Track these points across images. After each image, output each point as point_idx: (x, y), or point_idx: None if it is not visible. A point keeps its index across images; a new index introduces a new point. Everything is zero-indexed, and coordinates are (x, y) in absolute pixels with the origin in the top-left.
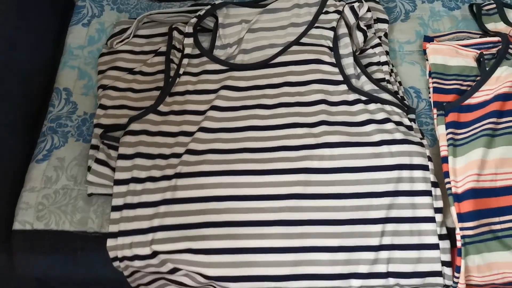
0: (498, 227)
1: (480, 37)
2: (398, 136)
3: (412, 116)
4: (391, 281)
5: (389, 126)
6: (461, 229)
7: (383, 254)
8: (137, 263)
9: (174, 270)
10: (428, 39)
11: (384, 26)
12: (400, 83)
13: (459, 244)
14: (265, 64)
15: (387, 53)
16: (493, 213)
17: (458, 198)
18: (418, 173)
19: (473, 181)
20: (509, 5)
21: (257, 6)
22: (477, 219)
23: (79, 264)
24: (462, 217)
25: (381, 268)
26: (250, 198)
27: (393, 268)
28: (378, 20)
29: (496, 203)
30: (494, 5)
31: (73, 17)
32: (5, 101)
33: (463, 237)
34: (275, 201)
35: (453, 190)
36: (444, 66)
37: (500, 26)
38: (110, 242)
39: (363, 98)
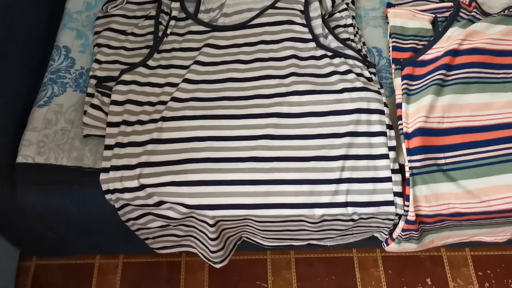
0: (442, 161)
1: (436, 4)
2: (358, 84)
3: (373, 70)
4: (350, 209)
5: (351, 76)
6: (409, 161)
7: (343, 186)
8: (127, 195)
9: (159, 203)
10: (390, 5)
11: None
12: (364, 43)
13: (407, 174)
14: (243, 25)
15: (353, 17)
16: (439, 150)
17: (408, 136)
18: (375, 117)
19: (422, 121)
20: None
21: None
22: (424, 153)
23: (75, 197)
24: (410, 152)
25: (341, 198)
26: (227, 138)
27: (352, 198)
28: None
29: (442, 142)
30: None
31: None
32: (12, 56)
33: (411, 168)
34: (249, 141)
35: (404, 130)
36: (403, 28)
37: None
38: (102, 176)
39: (329, 53)
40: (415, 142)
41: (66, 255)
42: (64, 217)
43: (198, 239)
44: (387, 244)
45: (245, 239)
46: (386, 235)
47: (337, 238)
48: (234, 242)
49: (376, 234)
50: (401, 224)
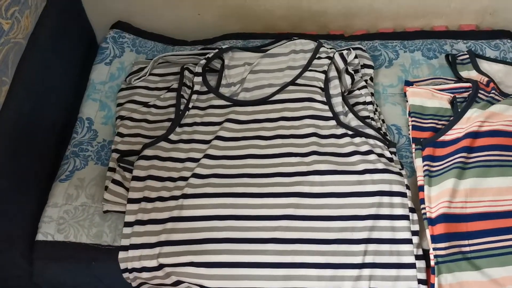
0: (467, 249)
1: (454, 83)
2: (380, 166)
3: (393, 149)
4: None
5: (372, 157)
6: (434, 249)
7: (366, 271)
8: (145, 275)
9: (177, 283)
10: (408, 83)
11: (370, 71)
12: (383, 120)
13: (432, 263)
14: (264, 101)
15: (372, 94)
16: (463, 237)
17: (432, 222)
18: (397, 199)
19: (445, 207)
20: (480, 56)
21: (259, 51)
22: (448, 241)
23: (92, 274)
24: (435, 239)
25: (363, 284)
26: (248, 218)
27: (374, 284)
28: (364, 66)
29: (465, 228)
30: (467, 56)
31: (97, 57)
32: (36, 131)
33: (435, 256)
34: (270, 221)
35: (428, 214)
36: (422, 107)
37: (473, 74)
38: (121, 255)
39: (350, 132)
40: (440, 228)
41: None
42: None
43: None
44: None
45: None
46: None
47: None
48: None
49: None
50: None
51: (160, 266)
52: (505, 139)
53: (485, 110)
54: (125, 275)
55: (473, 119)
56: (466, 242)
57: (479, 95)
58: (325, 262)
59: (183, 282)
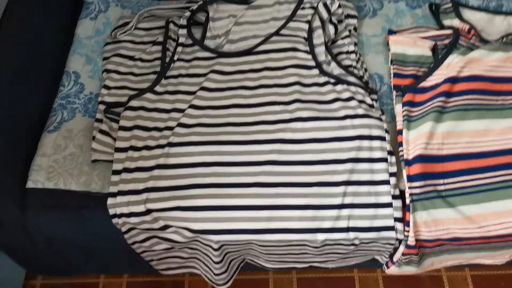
0: (442, 188)
1: (436, 31)
2: (360, 111)
3: (374, 96)
4: (351, 235)
5: (353, 103)
6: (410, 188)
7: (345, 211)
8: (133, 220)
9: (165, 227)
10: (391, 32)
11: (354, 21)
12: (366, 69)
13: (408, 201)
14: (248, 52)
15: (355, 44)
16: (438, 176)
17: (408, 162)
18: (376, 143)
19: (422, 148)
20: (463, 5)
21: (243, 2)
22: (424, 180)
23: (82, 221)
24: (410, 178)
25: (342, 223)
26: (232, 164)
27: (353, 223)
28: (348, 16)
29: (441, 168)
30: (450, 5)
31: (82, 12)
32: (24, 84)
33: (411, 195)
34: (253, 167)
35: (405, 156)
36: (404, 55)
37: (455, 22)
38: (110, 201)
39: (332, 80)
40: (415, 168)
41: (71, 274)
42: (70, 240)
43: (203, 262)
44: (388, 267)
45: (248, 261)
46: (387, 258)
47: (339, 261)
48: (237, 264)
49: (377, 257)
50: (401, 248)
51: (148, 211)
52: (484, 84)
53: (465, 56)
54: (114, 220)
55: (453, 65)
56: (441, 181)
57: (460, 41)
58: (306, 204)
59: (171, 226)
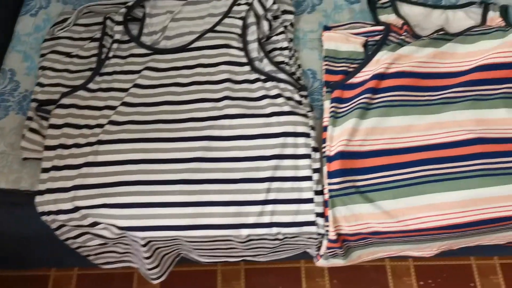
0: (361, 183)
1: (371, 27)
2: (286, 108)
3: (304, 93)
4: (274, 230)
5: (280, 100)
6: (329, 184)
7: (268, 207)
8: (62, 217)
9: (94, 224)
10: (327, 29)
11: (290, 17)
12: (299, 65)
13: (326, 197)
14: (183, 48)
15: (291, 40)
16: (358, 172)
17: (329, 159)
18: (301, 140)
19: (343, 145)
20: None
21: None
22: (343, 176)
23: (13, 218)
24: (330, 175)
25: (266, 219)
26: (159, 161)
27: (276, 219)
28: (285, 12)
29: (361, 164)
30: None
31: (23, 8)
32: None
33: (329, 191)
34: (179, 164)
35: (327, 153)
36: (336, 51)
37: (391, 18)
38: (38, 198)
39: (262, 77)
40: (335, 165)
41: (21, 268)
42: (13, 235)
43: (136, 256)
44: (317, 260)
45: (184, 255)
46: (316, 251)
47: (269, 255)
48: (172, 258)
49: (308, 250)
50: (325, 242)
51: (76, 209)
52: (411, 80)
53: (394, 52)
54: (44, 217)
55: (382, 61)
56: (360, 177)
57: (390, 37)
58: (230, 200)
59: (100, 223)
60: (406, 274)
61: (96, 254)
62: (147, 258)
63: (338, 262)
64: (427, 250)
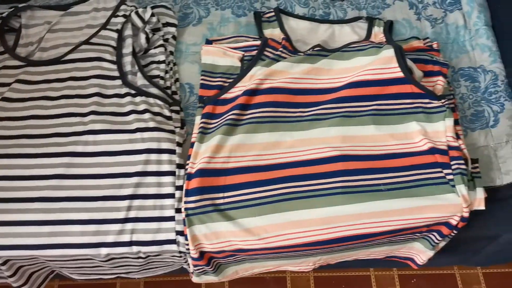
0: (221, 201)
1: (253, 41)
2: (151, 124)
3: (176, 108)
4: (134, 248)
5: (147, 116)
6: (185, 202)
7: (128, 225)
8: None
9: None
10: (208, 42)
11: (173, 29)
12: (177, 79)
13: (183, 215)
14: (57, 60)
15: (171, 53)
16: (219, 190)
17: (189, 176)
18: (165, 156)
19: (205, 162)
20: (289, 13)
21: (62, 9)
22: (200, 194)
23: None
24: (187, 193)
25: (125, 238)
26: (20, 178)
27: (136, 237)
28: (168, 24)
29: (223, 182)
30: (273, 13)
31: None
32: None
33: (186, 209)
34: (39, 181)
35: (189, 170)
36: (213, 65)
37: (276, 32)
38: None
39: (132, 92)
40: (194, 183)
41: None
42: None
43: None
44: (191, 277)
45: (58, 272)
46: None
47: (142, 272)
48: (44, 275)
49: (184, 266)
50: (190, 260)
51: None
52: (284, 96)
53: (268, 68)
54: None
55: (256, 76)
56: (221, 195)
57: (266, 53)
58: (89, 218)
59: None
60: (305, 286)
61: None
62: (10, 276)
63: (212, 278)
64: (303, 265)
